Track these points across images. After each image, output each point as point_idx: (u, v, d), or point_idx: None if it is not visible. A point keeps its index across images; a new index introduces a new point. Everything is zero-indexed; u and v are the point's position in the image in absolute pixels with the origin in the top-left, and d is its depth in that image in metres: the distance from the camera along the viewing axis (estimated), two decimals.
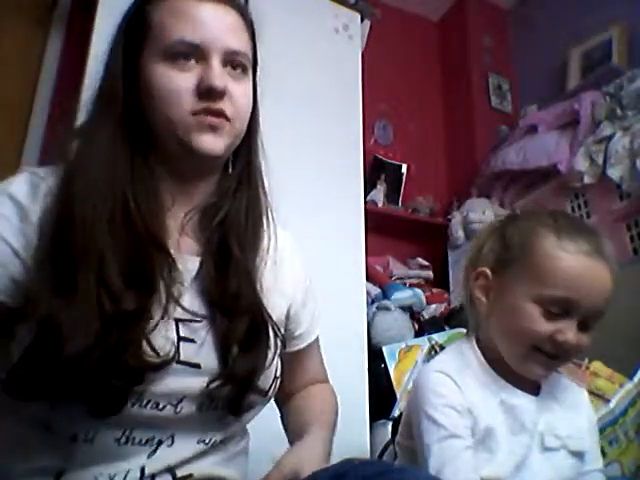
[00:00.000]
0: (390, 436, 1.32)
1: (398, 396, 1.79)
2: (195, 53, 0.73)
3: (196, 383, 0.71)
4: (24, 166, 2.01)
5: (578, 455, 0.88)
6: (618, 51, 2.38)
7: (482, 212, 2.41)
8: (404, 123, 2.95)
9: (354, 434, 1.61)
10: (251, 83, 0.80)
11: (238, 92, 0.75)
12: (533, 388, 0.90)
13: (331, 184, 1.90)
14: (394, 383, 1.84)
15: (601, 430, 1.30)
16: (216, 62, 0.73)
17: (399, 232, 2.66)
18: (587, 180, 2.08)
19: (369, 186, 2.53)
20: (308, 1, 2.10)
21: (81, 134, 0.75)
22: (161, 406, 0.69)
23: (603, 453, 1.28)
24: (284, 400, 0.92)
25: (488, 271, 0.90)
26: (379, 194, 2.65)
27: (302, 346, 0.92)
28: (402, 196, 2.74)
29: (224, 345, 0.73)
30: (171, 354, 0.68)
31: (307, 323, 0.91)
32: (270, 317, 0.78)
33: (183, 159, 0.75)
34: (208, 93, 0.72)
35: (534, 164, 2.30)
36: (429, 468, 0.80)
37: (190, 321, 0.72)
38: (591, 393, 1.36)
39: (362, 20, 2.22)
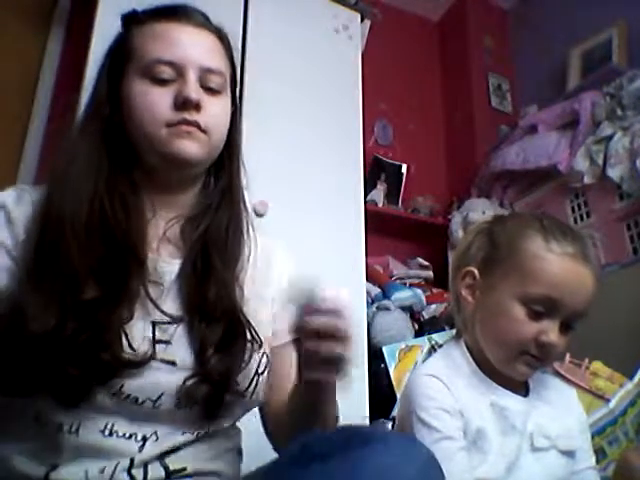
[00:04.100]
0: None
1: (398, 396, 1.79)
2: (172, 71, 0.77)
3: (172, 379, 0.72)
4: (24, 163, 2.02)
5: (569, 454, 0.89)
6: (618, 51, 2.38)
7: (482, 212, 2.41)
8: (404, 123, 2.96)
9: None
10: (229, 103, 0.84)
11: (213, 108, 0.80)
12: (522, 389, 0.92)
13: (331, 184, 1.90)
14: (394, 383, 1.84)
15: (601, 430, 1.31)
16: (192, 77, 0.78)
17: (399, 232, 2.66)
18: (587, 180, 2.08)
19: (369, 186, 2.53)
20: (308, 1, 2.10)
21: (64, 151, 0.80)
22: (140, 400, 0.71)
23: (603, 453, 1.29)
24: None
25: (475, 271, 0.91)
26: (379, 194, 2.64)
27: (277, 343, 0.88)
28: (402, 196, 2.74)
29: (200, 347, 0.75)
30: (149, 353, 0.71)
31: (284, 324, 0.89)
32: (247, 321, 0.79)
33: (165, 170, 0.80)
34: (183, 104, 0.76)
35: (534, 164, 2.29)
36: None
37: (167, 323, 0.75)
38: (591, 393, 1.36)
39: (362, 20, 2.22)
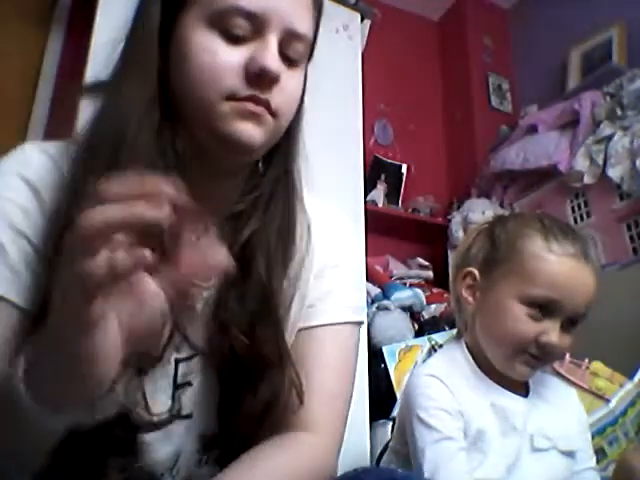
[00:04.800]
0: (390, 436, 1.32)
1: (398, 396, 1.79)
2: (249, 26, 0.58)
3: (188, 440, 0.62)
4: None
5: (569, 455, 0.88)
6: (618, 51, 2.38)
7: (482, 212, 2.41)
8: (404, 123, 2.96)
9: (354, 434, 1.61)
10: (303, 77, 0.68)
11: (290, 84, 0.62)
12: (523, 389, 0.91)
13: (331, 184, 1.90)
14: (394, 383, 1.83)
15: (601, 430, 1.30)
16: (273, 40, 0.59)
17: (399, 232, 2.66)
18: (587, 180, 2.07)
19: (369, 186, 2.53)
20: None
21: (105, 100, 0.61)
22: (155, 474, 0.61)
23: (603, 453, 1.29)
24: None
25: (475, 271, 0.91)
26: (379, 194, 2.65)
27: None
28: (402, 196, 2.74)
29: (226, 394, 0.62)
30: (170, 410, 0.60)
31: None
32: (292, 363, 0.64)
33: (213, 151, 0.62)
34: (258, 77, 0.58)
35: (534, 164, 2.29)
36: (424, 472, 0.79)
37: (190, 358, 0.62)
38: (591, 393, 1.36)
39: (362, 20, 2.22)
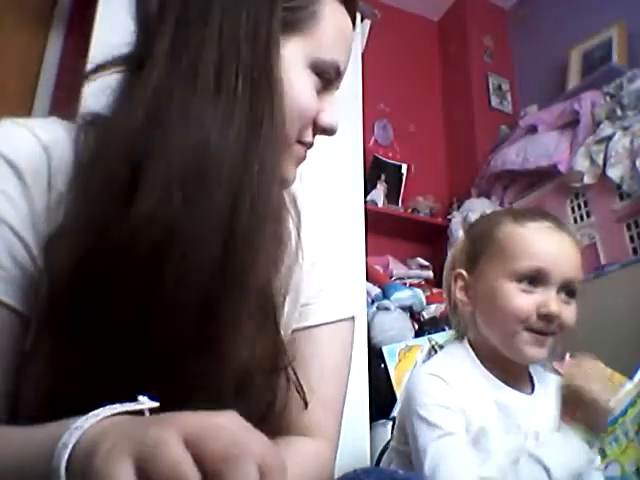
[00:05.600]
0: (390, 436, 1.32)
1: (398, 396, 1.79)
2: (335, 76, 0.64)
3: None
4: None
5: None
6: (618, 51, 2.38)
7: (482, 212, 2.41)
8: (404, 123, 2.96)
9: (354, 434, 1.61)
10: None
11: None
12: (528, 386, 0.92)
13: (331, 184, 1.90)
14: (394, 383, 1.84)
15: None
16: (335, 93, 0.65)
17: (399, 232, 2.66)
18: (587, 180, 2.07)
19: (369, 186, 2.53)
20: None
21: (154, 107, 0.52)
22: None
23: (603, 453, 1.28)
24: None
25: (463, 271, 0.94)
26: (379, 194, 2.65)
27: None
28: (402, 196, 2.74)
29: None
30: None
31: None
32: (292, 368, 0.61)
33: None
34: (321, 131, 0.65)
35: (534, 164, 2.29)
36: (425, 470, 0.79)
37: None
38: None
39: (362, 20, 2.22)
